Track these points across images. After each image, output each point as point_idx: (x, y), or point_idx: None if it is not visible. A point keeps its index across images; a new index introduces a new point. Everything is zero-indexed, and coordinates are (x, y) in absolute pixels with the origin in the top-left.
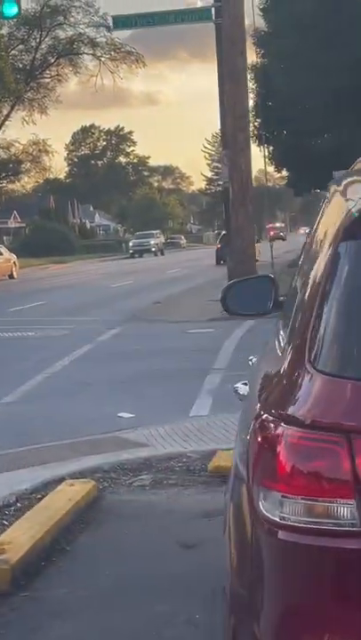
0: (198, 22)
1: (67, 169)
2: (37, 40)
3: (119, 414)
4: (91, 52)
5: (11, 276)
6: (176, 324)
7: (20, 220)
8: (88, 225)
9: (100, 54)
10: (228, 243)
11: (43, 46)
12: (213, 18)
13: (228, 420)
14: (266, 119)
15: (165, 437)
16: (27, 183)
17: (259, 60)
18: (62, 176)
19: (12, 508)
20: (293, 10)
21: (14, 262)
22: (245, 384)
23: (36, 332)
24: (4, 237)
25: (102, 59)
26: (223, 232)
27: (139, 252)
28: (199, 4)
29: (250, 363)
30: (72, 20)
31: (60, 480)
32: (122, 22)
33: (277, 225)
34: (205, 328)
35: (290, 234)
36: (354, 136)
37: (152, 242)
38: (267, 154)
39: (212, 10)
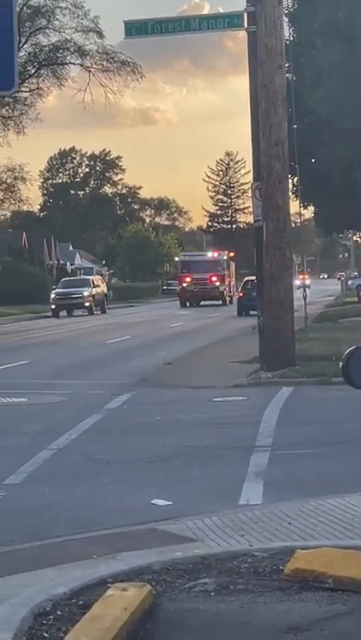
0: (227, 30)
1: (41, 200)
2: (17, 48)
3: (153, 501)
4: (78, 61)
5: None
6: (197, 391)
7: None
8: (68, 267)
9: (89, 64)
10: (260, 292)
11: (21, 54)
12: (245, 25)
13: (288, 510)
14: (291, 144)
15: (216, 531)
16: None
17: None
18: (36, 209)
19: (51, 617)
20: (332, 17)
21: None
22: None
23: (29, 397)
24: None
25: (92, 70)
26: (247, 278)
27: (65, 307)
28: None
29: None
30: (57, 23)
31: (102, 582)
32: (136, 29)
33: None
34: (234, 396)
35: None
36: None
37: (85, 293)
38: (291, 186)
39: (244, 15)
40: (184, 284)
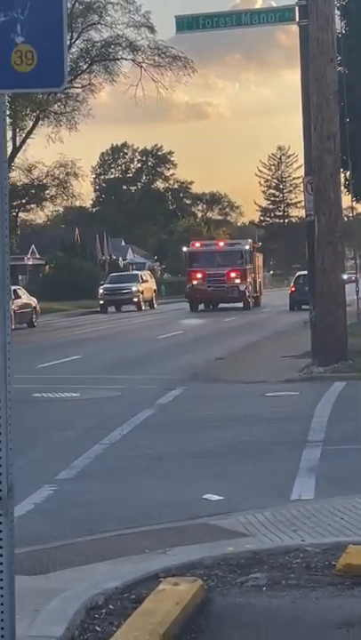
0: (278, 24)
1: (93, 196)
2: (67, 43)
3: (204, 496)
4: (130, 56)
5: (30, 325)
6: (249, 386)
7: (38, 255)
8: (121, 263)
9: (140, 60)
10: (311, 287)
11: (73, 50)
12: (297, 19)
13: (341, 505)
14: (343, 138)
15: (268, 526)
16: (50, 213)
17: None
18: (88, 204)
19: (103, 611)
20: None
21: (35, 308)
22: None
23: (82, 392)
24: (20, 277)
25: (143, 65)
26: (299, 273)
27: (113, 302)
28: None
29: None
30: (108, 19)
31: (154, 577)
32: (187, 24)
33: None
34: (286, 390)
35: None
36: None
37: (134, 288)
38: (344, 180)
39: (296, 9)
40: (194, 282)
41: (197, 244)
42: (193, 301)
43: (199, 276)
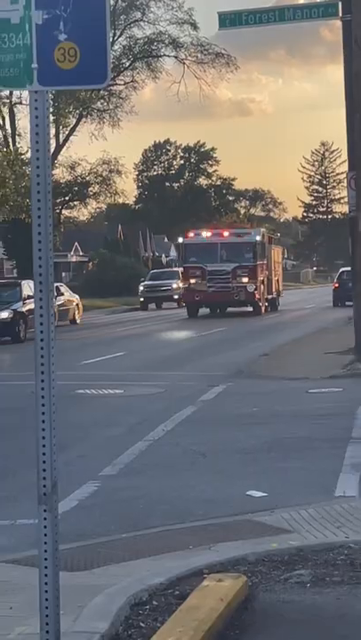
0: (321, 19)
1: (136, 193)
2: (110, 40)
3: (248, 492)
4: (173, 53)
5: (73, 322)
6: (293, 382)
7: (82, 252)
8: (163, 259)
9: (183, 57)
10: (355, 283)
11: (116, 47)
12: (340, 14)
13: None
14: None
15: (312, 522)
16: (93, 210)
17: None
18: (131, 201)
19: (148, 607)
20: None
21: (77, 305)
22: None
23: (125, 389)
24: (63, 274)
25: (186, 62)
26: (342, 269)
27: (153, 299)
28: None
29: None
30: (151, 16)
31: (198, 573)
32: (230, 20)
33: None
34: (330, 387)
35: None
36: None
37: (174, 285)
38: None
39: (339, 4)
40: (191, 282)
41: (196, 236)
42: (190, 305)
43: (198, 274)
